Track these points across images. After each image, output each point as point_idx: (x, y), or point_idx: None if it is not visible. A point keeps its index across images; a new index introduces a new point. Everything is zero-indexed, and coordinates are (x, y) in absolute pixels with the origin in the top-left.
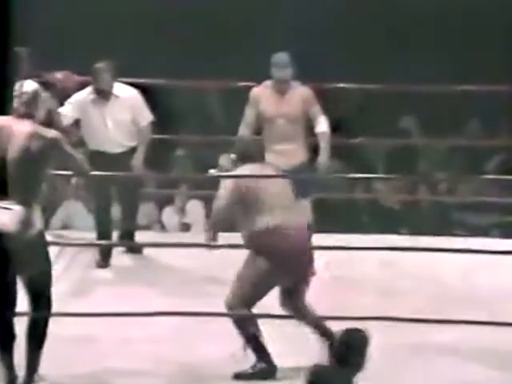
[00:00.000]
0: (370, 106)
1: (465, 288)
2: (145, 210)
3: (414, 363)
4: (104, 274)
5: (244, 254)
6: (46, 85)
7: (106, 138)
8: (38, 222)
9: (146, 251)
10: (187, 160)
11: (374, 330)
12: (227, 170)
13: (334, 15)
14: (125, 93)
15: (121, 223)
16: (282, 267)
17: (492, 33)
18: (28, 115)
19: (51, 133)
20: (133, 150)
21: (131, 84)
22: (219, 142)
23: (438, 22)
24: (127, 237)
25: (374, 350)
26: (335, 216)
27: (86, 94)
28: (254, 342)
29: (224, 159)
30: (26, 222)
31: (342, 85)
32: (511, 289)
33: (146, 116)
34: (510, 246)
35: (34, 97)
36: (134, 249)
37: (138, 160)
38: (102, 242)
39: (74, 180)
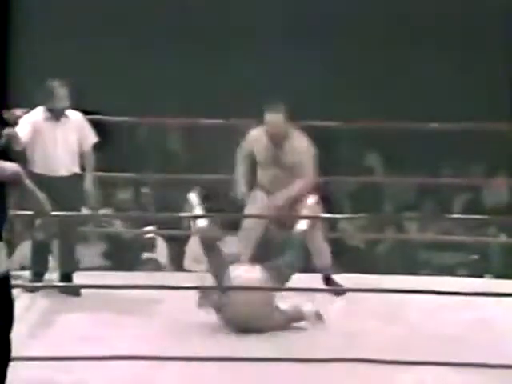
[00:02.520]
0: (335, 143)
1: (430, 328)
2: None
3: None
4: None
5: None
6: (4, 122)
7: (54, 160)
8: (3, 262)
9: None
10: (151, 198)
11: (338, 370)
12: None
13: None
14: (72, 114)
15: (59, 263)
16: None
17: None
18: None
19: (12, 166)
20: (76, 175)
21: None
22: (182, 181)
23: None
24: (66, 278)
25: None
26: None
27: (38, 113)
28: None
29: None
30: None
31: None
32: (477, 329)
33: (92, 139)
34: (476, 285)
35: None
36: (72, 290)
37: (89, 185)
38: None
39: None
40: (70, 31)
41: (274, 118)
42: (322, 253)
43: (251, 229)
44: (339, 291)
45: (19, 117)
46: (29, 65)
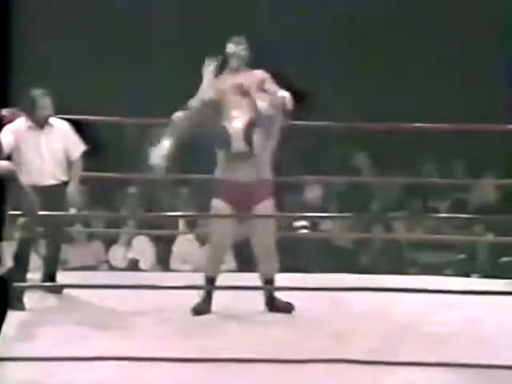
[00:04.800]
0: (323, 143)
1: (417, 327)
2: (92, 249)
3: None
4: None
5: None
6: None
7: (40, 169)
8: (7, 261)
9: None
10: (137, 198)
11: (324, 372)
12: None
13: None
14: (57, 123)
15: (44, 263)
16: None
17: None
18: None
19: (5, 164)
20: (64, 183)
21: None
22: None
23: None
24: (49, 277)
25: None
26: (287, 255)
27: (21, 122)
28: None
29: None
30: None
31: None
32: (464, 328)
33: (79, 147)
34: (464, 284)
35: None
36: (55, 290)
37: (73, 193)
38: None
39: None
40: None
41: None
42: (269, 260)
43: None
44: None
45: (3, 116)
46: (30, 65)
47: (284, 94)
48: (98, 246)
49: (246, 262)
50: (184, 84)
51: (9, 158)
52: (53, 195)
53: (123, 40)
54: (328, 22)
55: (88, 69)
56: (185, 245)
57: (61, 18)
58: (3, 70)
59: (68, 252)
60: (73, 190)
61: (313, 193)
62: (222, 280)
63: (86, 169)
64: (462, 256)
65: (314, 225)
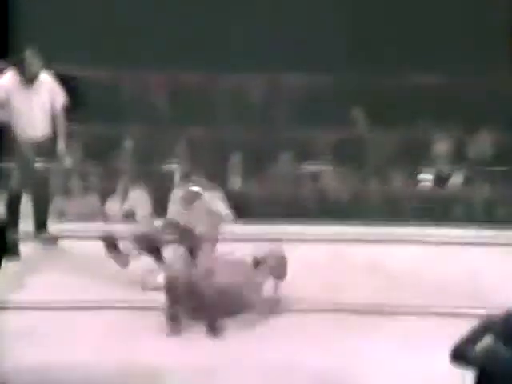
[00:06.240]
0: (320, 96)
1: (415, 278)
2: (88, 201)
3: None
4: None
5: None
6: None
7: (31, 122)
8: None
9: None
10: (133, 150)
11: (326, 321)
12: None
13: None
14: (44, 77)
15: (34, 214)
16: None
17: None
18: None
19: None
20: (53, 136)
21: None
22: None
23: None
24: (40, 228)
25: None
26: (285, 207)
27: (10, 77)
28: None
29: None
30: None
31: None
32: (463, 279)
33: (62, 99)
34: (462, 235)
35: None
36: (49, 240)
37: (62, 146)
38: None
39: None
40: None
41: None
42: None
43: None
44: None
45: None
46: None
47: None
48: (94, 198)
49: None
50: None
51: None
52: (43, 148)
53: None
54: None
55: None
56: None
57: None
58: (4, 23)
59: (65, 204)
60: (61, 142)
61: None
62: None
63: (80, 122)
64: (459, 207)
65: None
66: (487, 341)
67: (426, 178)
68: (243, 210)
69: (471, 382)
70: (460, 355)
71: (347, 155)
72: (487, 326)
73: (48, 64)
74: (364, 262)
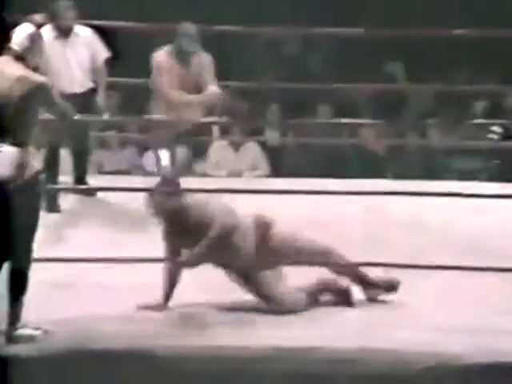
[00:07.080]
0: (355, 51)
1: (452, 232)
2: (125, 155)
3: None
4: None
5: None
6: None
7: (68, 77)
8: (35, 163)
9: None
10: None
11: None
12: None
13: None
14: (82, 31)
15: (73, 167)
16: None
17: None
18: (21, 58)
19: (40, 78)
20: (92, 90)
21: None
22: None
23: None
24: (80, 180)
25: None
26: (321, 161)
27: (45, 32)
28: None
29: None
30: (22, 164)
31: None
32: (498, 232)
33: (103, 53)
34: (497, 189)
35: (32, 40)
36: (88, 192)
37: (101, 100)
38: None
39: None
40: None
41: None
42: None
43: None
44: None
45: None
46: None
47: None
48: (131, 151)
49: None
50: None
51: None
52: (82, 102)
53: None
54: None
55: None
56: (220, 150)
57: None
58: None
59: (102, 157)
60: (101, 96)
61: None
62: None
63: (116, 75)
64: (496, 161)
65: None
66: None
67: (497, 130)
68: (279, 163)
69: None
70: None
71: (386, 109)
72: None
73: (89, 17)
74: (401, 215)
